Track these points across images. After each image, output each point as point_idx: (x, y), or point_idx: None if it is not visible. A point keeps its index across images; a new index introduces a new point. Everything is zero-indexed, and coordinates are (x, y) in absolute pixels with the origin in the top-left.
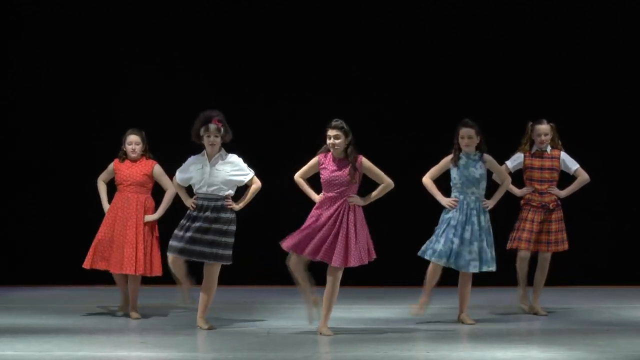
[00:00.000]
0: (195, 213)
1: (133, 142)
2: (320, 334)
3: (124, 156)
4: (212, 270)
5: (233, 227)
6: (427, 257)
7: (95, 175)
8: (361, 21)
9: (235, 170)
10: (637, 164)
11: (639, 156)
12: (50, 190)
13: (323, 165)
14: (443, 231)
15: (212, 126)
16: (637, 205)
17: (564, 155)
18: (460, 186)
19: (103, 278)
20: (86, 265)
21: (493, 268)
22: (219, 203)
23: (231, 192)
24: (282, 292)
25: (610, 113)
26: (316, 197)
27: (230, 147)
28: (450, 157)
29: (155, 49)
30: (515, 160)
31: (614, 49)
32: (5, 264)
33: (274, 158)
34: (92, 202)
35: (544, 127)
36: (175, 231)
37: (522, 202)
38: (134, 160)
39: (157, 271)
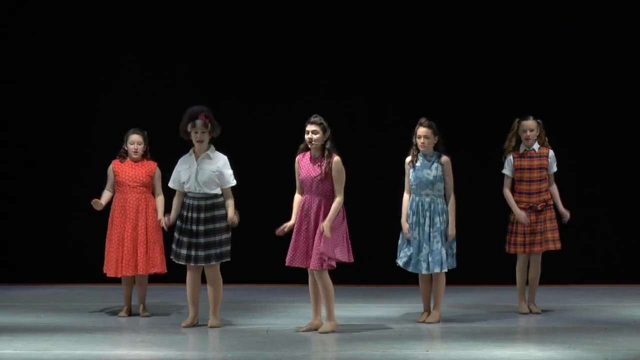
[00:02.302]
0: (189, 214)
1: (135, 142)
2: (333, 331)
3: (125, 156)
4: (212, 269)
5: (225, 223)
6: (399, 264)
7: (90, 172)
8: (356, 19)
9: (223, 167)
10: (634, 162)
11: (636, 154)
12: (48, 188)
13: (301, 165)
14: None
15: (198, 122)
16: (634, 203)
17: (551, 153)
18: (415, 187)
19: (102, 277)
20: (113, 274)
21: (445, 269)
22: (210, 202)
23: (220, 189)
24: (281, 291)
25: (603, 111)
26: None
27: (233, 146)
28: (408, 159)
29: (144, 45)
30: (509, 165)
31: (613, 47)
32: (4, 262)
33: (273, 156)
34: (91, 199)
35: (530, 123)
36: (176, 235)
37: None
38: (136, 161)
39: (161, 268)
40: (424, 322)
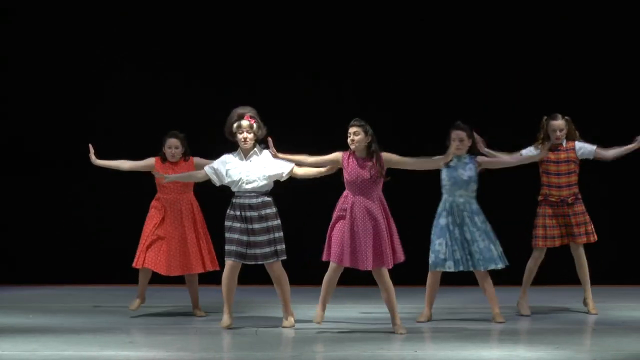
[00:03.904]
0: (240, 213)
1: (172, 146)
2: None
3: (165, 158)
4: (274, 267)
5: (278, 221)
6: (445, 269)
7: (85, 173)
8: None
9: (273, 163)
10: (622, 162)
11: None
12: (36, 189)
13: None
14: (439, 237)
15: (244, 122)
16: (623, 205)
17: (578, 144)
18: (449, 187)
19: (90, 278)
20: (165, 272)
21: (501, 265)
22: (260, 200)
23: (270, 186)
24: (270, 292)
25: (602, 110)
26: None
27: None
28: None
29: (147, 46)
30: (529, 152)
31: (611, 47)
32: None
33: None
34: (80, 201)
35: (558, 123)
36: (228, 235)
37: (539, 197)
38: (174, 163)
39: (216, 265)
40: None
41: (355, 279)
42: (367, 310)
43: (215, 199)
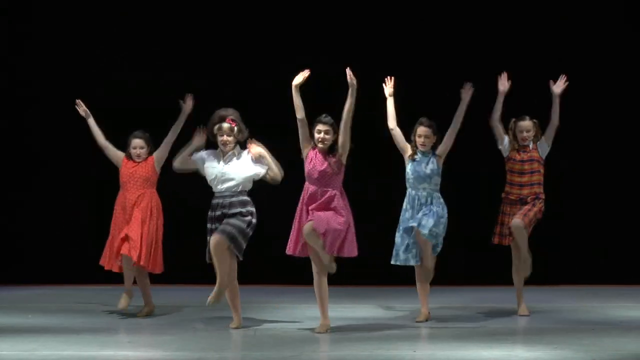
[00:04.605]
0: (214, 213)
1: (137, 146)
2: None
3: (130, 157)
4: (220, 241)
5: (250, 218)
6: (403, 263)
7: (85, 172)
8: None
9: (249, 164)
10: (619, 164)
11: (621, 155)
12: (36, 189)
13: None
14: (399, 231)
15: (225, 125)
16: (620, 205)
17: (539, 143)
18: (413, 181)
19: (90, 278)
20: (106, 266)
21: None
22: (236, 199)
23: (247, 186)
24: (269, 291)
25: (597, 111)
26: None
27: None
28: (408, 152)
29: (147, 46)
30: (507, 142)
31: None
32: None
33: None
34: (80, 201)
35: (526, 124)
36: (208, 238)
37: (502, 195)
38: (138, 163)
39: (160, 268)
40: (424, 321)
41: (356, 279)
42: (367, 310)
43: (177, 200)
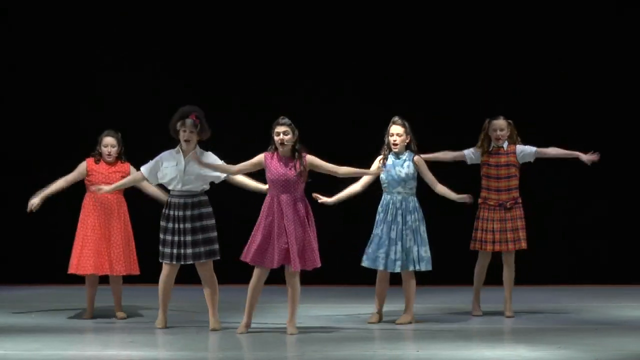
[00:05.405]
0: (174, 212)
1: (109, 144)
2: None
3: (99, 157)
4: (205, 268)
5: (212, 221)
6: (374, 267)
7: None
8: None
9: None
10: (621, 162)
11: (621, 154)
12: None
13: (268, 164)
14: (374, 235)
15: (188, 121)
16: (622, 203)
17: (519, 147)
18: (387, 186)
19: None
20: (73, 271)
21: (423, 268)
22: (196, 199)
23: (206, 186)
24: (269, 291)
25: (590, 112)
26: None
27: (231, 152)
28: (379, 157)
29: (147, 46)
30: (474, 155)
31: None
32: None
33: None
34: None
35: (499, 122)
36: (162, 236)
37: (479, 200)
38: (110, 164)
39: (137, 269)
40: (376, 322)
41: (355, 279)
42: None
43: (147, 200)
